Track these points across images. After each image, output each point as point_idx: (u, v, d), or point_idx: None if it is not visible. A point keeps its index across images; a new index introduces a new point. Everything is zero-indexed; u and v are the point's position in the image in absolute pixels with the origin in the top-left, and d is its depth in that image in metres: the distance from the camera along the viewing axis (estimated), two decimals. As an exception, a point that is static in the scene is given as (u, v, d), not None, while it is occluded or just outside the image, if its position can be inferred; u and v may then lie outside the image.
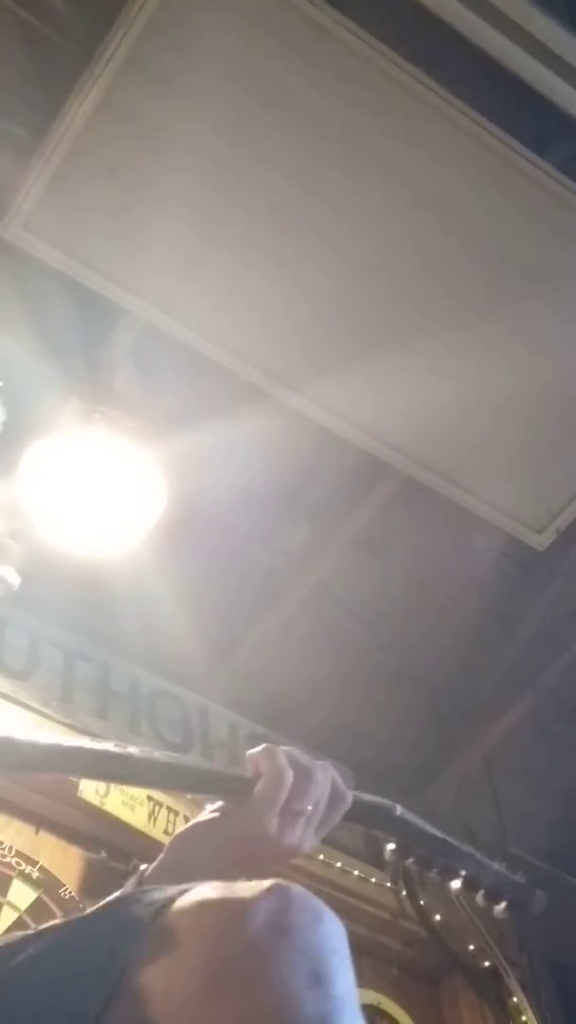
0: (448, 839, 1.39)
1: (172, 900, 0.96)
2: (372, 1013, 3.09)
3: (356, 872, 3.32)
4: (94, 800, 2.85)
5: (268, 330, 2.75)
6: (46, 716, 3.02)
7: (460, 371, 2.83)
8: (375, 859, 3.48)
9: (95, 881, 2.81)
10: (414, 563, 3.48)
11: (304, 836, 1.24)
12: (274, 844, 1.22)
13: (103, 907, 1.01)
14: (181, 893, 0.97)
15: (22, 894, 2.71)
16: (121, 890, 1.24)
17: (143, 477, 2.83)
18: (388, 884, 3.41)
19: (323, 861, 3.23)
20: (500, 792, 3.63)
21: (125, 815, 2.89)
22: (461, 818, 3.67)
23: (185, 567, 3.27)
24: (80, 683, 3.25)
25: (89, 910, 1.01)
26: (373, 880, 3.36)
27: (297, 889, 0.94)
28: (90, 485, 2.83)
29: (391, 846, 1.46)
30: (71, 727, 3.04)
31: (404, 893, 3.43)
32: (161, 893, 0.98)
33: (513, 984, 3.31)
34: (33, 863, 2.76)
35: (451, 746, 3.70)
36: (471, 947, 3.38)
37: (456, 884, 1.40)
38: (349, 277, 2.67)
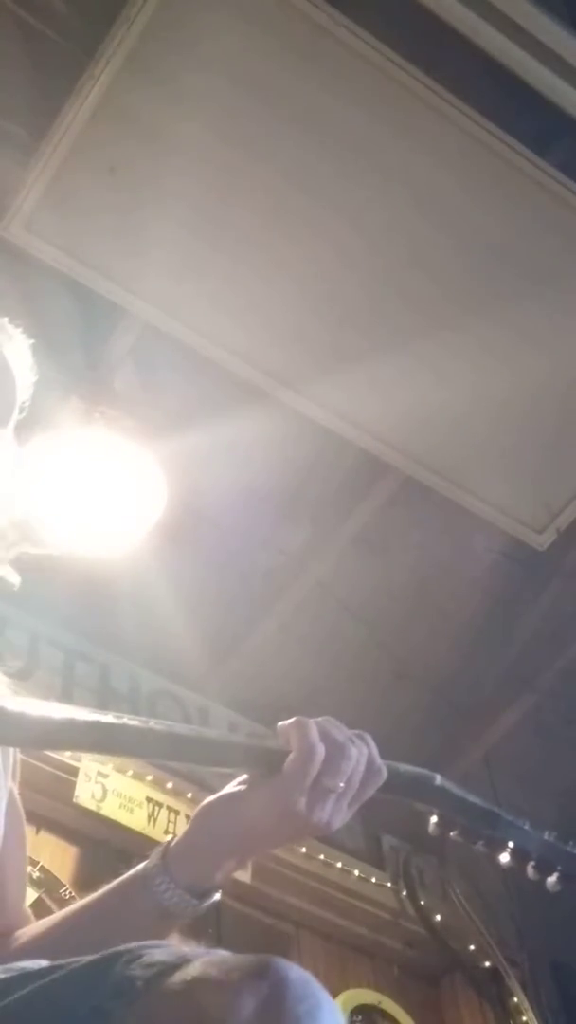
0: (494, 809, 1.34)
1: (172, 968, 0.89)
2: (372, 1013, 3.09)
3: (356, 872, 3.32)
4: (90, 805, 2.85)
5: (268, 330, 2.75)
6: (46, 716, 3.02)
7: (460, 371, 2.83)
8: (375, 859, 3.49)
9: (95, 881, 2.81)
10: (414, 563, 3.48)
11: (335, 813, 1.20)
12: (302, 821, 1.17)
13: (99, 958, 0.94)
14: (182, 959, 0.90)
15: (22, 894, 2.71)
16: (144, 864, 1.21)
17: (143, 477, 2.82)
18: (388, 884, 3.41)
19: (323, 861, 3.23)
20: (500, 792, 3.62)
21: (124, 818, 2.89)
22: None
23: (185, 567, 3.27)
24: (80, 683, 3.25)
25: (87, 958, 0.96)
26: (373, 880, 3.37)
27: (296, 973, 0.87)
28: (90, 485, 2.83)
29: (433, 819, 1.37)
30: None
31: (404, 893, 3.43)
32: (162, 954, 0.92)
33: (513, 984, 3.31)
34: (33, 863, 2.76)
35: (451, 746, 3.69)
36: (471, 947, 3.38)
37: (505, 858, 1.34)
38: (349, 277, 2.67)
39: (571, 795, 3.79)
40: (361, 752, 1.24)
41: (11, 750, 1.39)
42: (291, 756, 1.18)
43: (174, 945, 0.98)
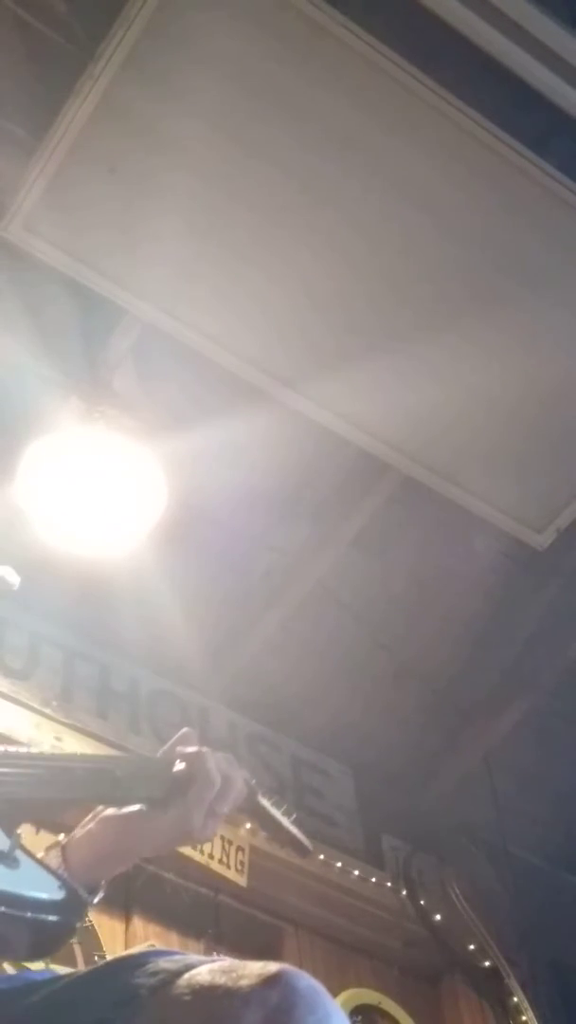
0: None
1: (176, 976, 0.91)
2: (372, 1013, 3.09)
3: (356, 872, 3.32)
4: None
5: (268, 330, 2.75)
6: (46, 716, 3.02)
7: (460, 371, 2.83)
8: (375, 859, 3.49)
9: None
10: (414, 563, 3.48)
11: (215, 827, 1.39)
12: (195, 838, 1.37)
13: (103, 966, 0.99)
14: (186, 968, 0.92)
15: (22, 894, 2.70)
16: (42, 859, 1.30)
17: (143, 477, 2.83)
18: (388, 884, 3.41)
19: (323, 861, 3.23)
20: (500, 792, 3.62)
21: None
22: (460, 818, 3.67)
23: (185, 567, 3.27)
24: (80, 683, 3.25)
25: (90, 968, 0.98)
26: (373, 880, 3.36)
27: (305, 983, 0.87)
28: (90, 485, 2.83)
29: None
30: (71, 727, 3.04)
31: (404, 893, 3.43)
32: (166, 962, 0.94)
33: (513, 984, 3.31)
34: (33, 863, 2.76)
35: (451, 746, 3.69)
36: (471, 947, 3.37)
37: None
38: (350, 276, 2.67)
39: (571, 795, 3.79)
40: (238, 781, 1.44)
41: None
42: (195, 786, 1.36)
43: (178, 952, 0.99)
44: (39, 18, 2.51)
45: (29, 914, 1.15)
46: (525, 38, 2.46)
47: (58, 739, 2.98)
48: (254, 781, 1.54)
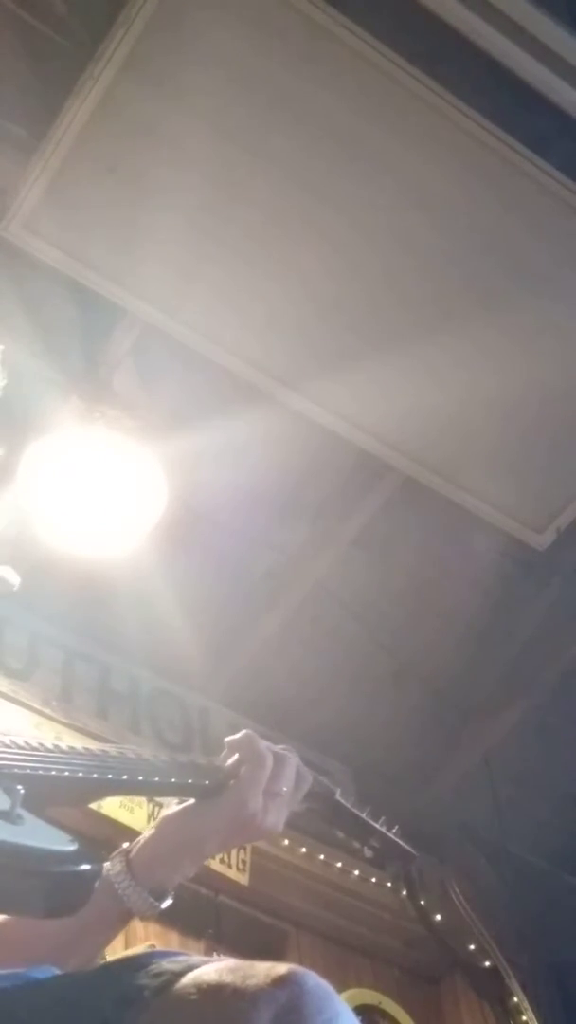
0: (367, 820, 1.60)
1: (180, 975, 0.89)
2: (372, 1013, 3.09)
3: (356, 872, 3.32)
4: (91, 804, 2.84)
5: (268, 330, 2.75)
6: (46, 716, 3.02)
7: (461, 371, 2.83)
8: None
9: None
10: (414, 563, 3.48)
11: (279, 815, 1.35)
12: (254, 824, 1.32)
13: (106, 967, 0.98)
14: (189, 968, 0.90)
15: (22, 894, 2.70)
16: (107, 869, 1.28)
17: (143, 477, 2.83)
18: (388, 884, 3.41)
19: (323, 861, 3.23)
20: (500, 792, 3.62)
21: (124, 818, 2.88)
22: (461, 818, 3.67)
23: (185, 567, 3.27)
24: (80, 683, 3.25)
25: (92, 968, 0.97)
26: (373, 880, 3.36)
27: (314, 983, 0.86)
28: (90, 485, 2.83)
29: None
30: (71, 727, 3.04)
31: (404, 893, 3.43)
32: (169, 963, 0.93)
33: (513, 984, 3.30)
34: (33, 863, 2.76)
35: (451, 746, 3.69)
36: (471, 947, 3.37)
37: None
38: (349, 277, 2.67)
39: (571, 795, 3.79)
40: (293, 760, 1.41)
41: None
42: (246, 766, 1.34)
43: (180, 953, 0.98)
44: (39, 18, 2.51)
45: (33, 865, 1.10)
46: (525, 38, 2.47)
47: (58, 739, 2.98)
48: (332, 785, 1.52)
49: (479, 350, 2.79)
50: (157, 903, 1.30)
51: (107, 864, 1.30)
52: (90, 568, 2.99)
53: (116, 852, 1.34)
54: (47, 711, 3.04)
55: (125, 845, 1.36)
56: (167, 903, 1.32)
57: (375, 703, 3.66)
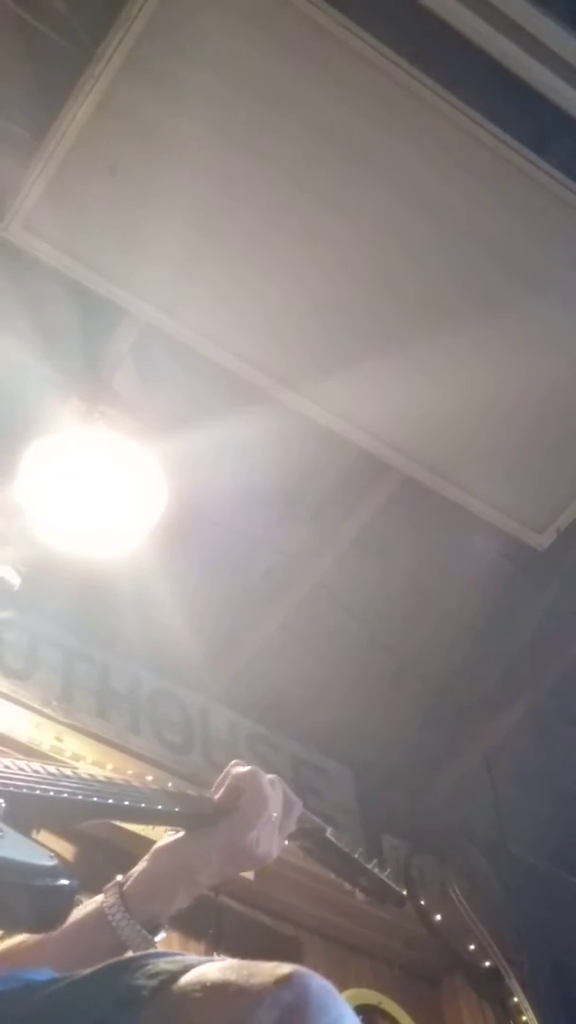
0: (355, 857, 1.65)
1: (177, 976, 0.89)
2: (372, 1013, 3.09)
3: (356, 872, 3.32)
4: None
5: (268, 330, 2.75)
6: (46, 716, 3.02)
7: (460, 371, 2.83)
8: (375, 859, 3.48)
9: (96, 881, 2.80)
10: (414, 563, 3.48)
11: (275, 844, 1.39)
12: (250, 854, 1.35)
13: (103, 968, 0.96)
14: (187, 968, 0.90)
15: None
16: (100, 901, 1.28)
17: (143, 477, 2.83)
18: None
19: (323, 861, 3.23)
20: (500, 792, 3.62)
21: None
22: (460, 818, 3.67)
23: (185, 567, 3.27)
24: (80, 683, 3.25)
25: (90, 970, 0.96)
26: (373, 880, 3.36)
27: (318, 984, 0.86)
28: (90, 485, 2.83)
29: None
30: (71, 727, 3.04)
31: (404, 893, 3.42)
32: (166, 963, 0.92)
33: (513, 984, 3.30)
34: (33, 863, 2.75)
35: (451, 746, 3.70)
36: (471, 947, 3.37)
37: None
38: (350, 277, 2.67)
39: (571, 795, 3.79)
40: (285, 791, 1.45)
41: None
42: (247, 799, 1.37)
43: (178, 953, 0.98)
44: (39, 18, 2.51)
45: (10, 876, 1.13)
46: (525, 38, 2.46)
47: (58, 739, 2.98)
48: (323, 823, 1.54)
49: (479, 350, 2.79)
50: (151, 936, 1.29)
51: (100, 896, 1.31)
52: (90, 568, 3.00)
53: (109, 884, 1.34)
54: (47, 711, 3.04)
55: (119, 877, 1.36)
56: (160, 937, 1.31)
57: (375, 703, 3.66)
